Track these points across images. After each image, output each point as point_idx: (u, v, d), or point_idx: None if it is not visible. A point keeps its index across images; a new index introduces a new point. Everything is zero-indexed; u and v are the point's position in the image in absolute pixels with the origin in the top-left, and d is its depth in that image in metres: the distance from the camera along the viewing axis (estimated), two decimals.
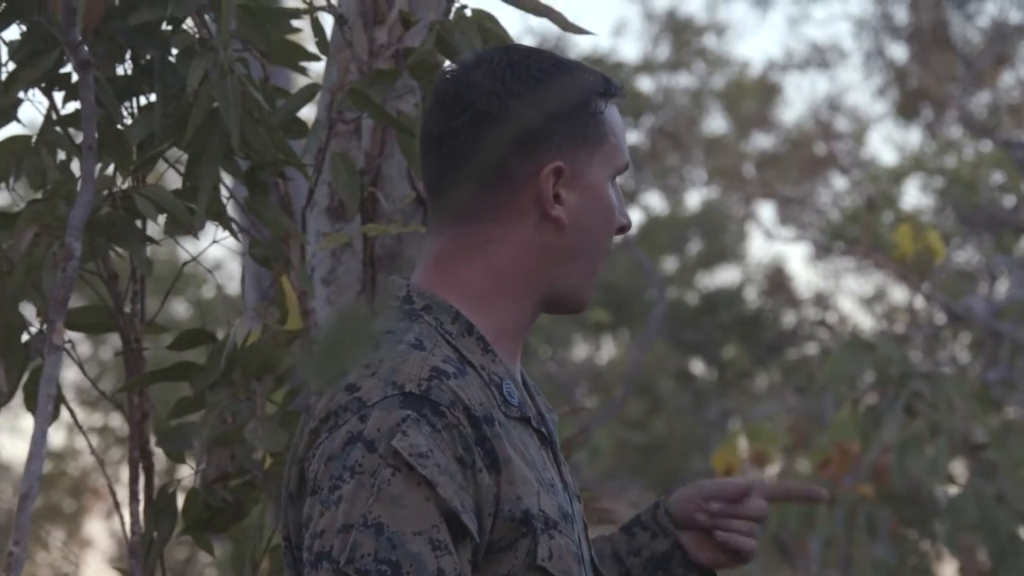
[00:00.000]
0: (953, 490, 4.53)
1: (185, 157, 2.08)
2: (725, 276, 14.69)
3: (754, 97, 13.99)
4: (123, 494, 2.13)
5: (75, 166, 2.09)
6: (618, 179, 1.55)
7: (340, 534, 1.34)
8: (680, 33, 14.00)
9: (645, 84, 13.90)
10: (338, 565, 1.34)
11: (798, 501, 1.64)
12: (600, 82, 1.52)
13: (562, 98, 1.48)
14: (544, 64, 1.50)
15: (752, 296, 14.32)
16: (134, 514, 2.08)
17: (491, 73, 1.48)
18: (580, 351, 14.97)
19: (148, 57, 2.07)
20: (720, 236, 14.41)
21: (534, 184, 1.47)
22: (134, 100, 2.09)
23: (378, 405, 1.38)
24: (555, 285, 1.50)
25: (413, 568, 1.33)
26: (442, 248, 1.49)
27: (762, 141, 14.28)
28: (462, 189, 1.48)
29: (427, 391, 1.38)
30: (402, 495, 1.35)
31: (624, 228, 1.53)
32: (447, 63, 2.07)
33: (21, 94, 2.07)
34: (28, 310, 2.05)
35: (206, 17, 2.07)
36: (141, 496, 2.09)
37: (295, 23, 2.15)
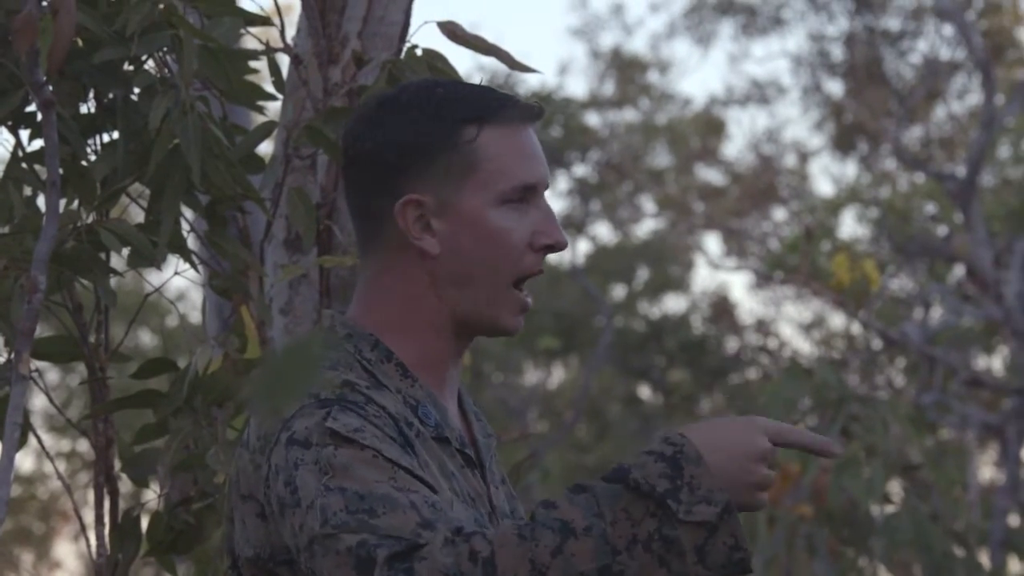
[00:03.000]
0: (889, 509, 4.66)
1: (147, 192, 2.14)
2: (671, 304, 14.84)
3: (698, 132, 14.19)
4: (90, 517, 2.17)
5: (41, 201, 2.15)
6: (541, 196, 1.49)
7: (308, 512, 1.37)
8: (625, 70, 14.19)
9: (592, 119, 14.06)
10: (318, 535, 1.35)
11: (806, 451, 1.41)
12: (473, 109, 1.49)
13: (418, 132, 1.49)
14: (412, 98, 1.50)
15: (697, 323, 14.47)
16: (100, 537, 2.13)
17: (360, 116, 1.53)
18: (531, 377, 15.05)
19: (111, 96, 2.13)
20: (666, 266, 14.56)
21: (396, 218, 1.51)
22: (98, 137, 2.15)
23: (297, 414, 1.42)
24: (456, 310, 1.50)
25: (387, 507, 1.34)
26: (362, 279, 1.55)
27: (706, 174, 14.47)
28: (354, 227, 1.56)
29: (342, 396, 1.43)
30: (351, 463, 1.37)
31: (550, 248, 1.49)
32: None
33: None
34: None
35: (167, 57, 2.14)
36: (107, 519, 2.13)
37: (253, 63, 2.22)
